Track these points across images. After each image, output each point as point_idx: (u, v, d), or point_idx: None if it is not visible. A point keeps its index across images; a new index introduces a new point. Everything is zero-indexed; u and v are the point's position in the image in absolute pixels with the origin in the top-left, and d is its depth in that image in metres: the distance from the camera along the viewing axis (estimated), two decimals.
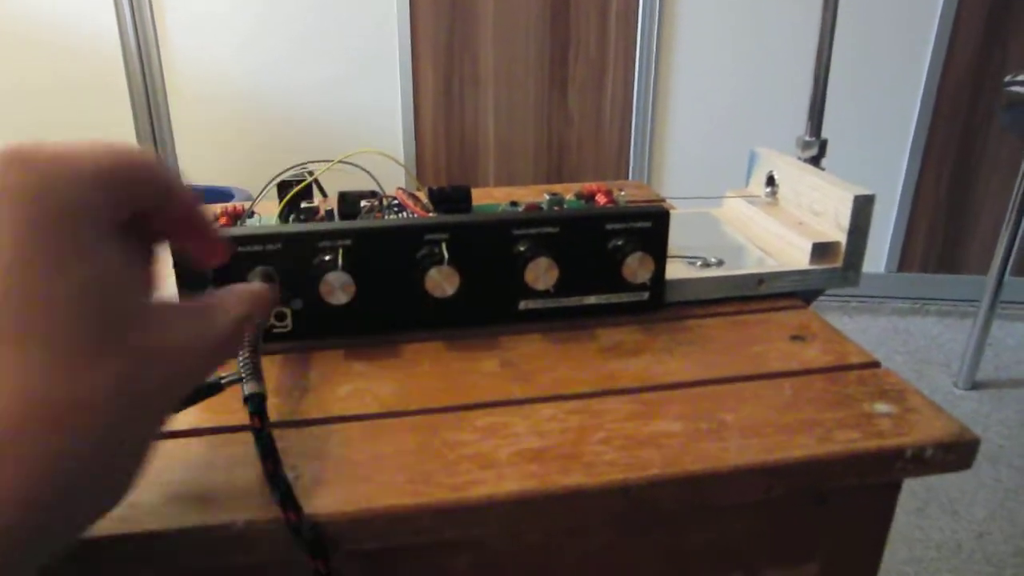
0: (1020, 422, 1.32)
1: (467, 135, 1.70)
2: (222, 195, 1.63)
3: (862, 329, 1.63)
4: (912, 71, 1.61)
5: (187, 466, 0.33)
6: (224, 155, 1.75)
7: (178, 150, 1.74)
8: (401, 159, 1.73)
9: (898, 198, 1.69)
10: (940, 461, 0.34)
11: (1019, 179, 1.31)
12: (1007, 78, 1.27)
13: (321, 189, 0.56)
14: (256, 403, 0.32)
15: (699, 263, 0.47)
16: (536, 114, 1.68)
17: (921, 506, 1.12)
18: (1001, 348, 1.56)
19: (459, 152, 1.71)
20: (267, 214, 0.53)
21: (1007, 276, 1.36)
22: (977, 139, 1.64)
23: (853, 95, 1.61)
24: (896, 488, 0.37)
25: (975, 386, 1.42)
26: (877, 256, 1.73)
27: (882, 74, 1.61)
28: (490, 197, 0.63)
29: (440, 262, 0.40)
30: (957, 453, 0.34)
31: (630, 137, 1.68)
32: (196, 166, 1.76)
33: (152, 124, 1.72)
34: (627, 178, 1.72)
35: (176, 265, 0.40)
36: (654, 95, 1.64)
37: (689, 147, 1.69)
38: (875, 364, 0.40)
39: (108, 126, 1.71)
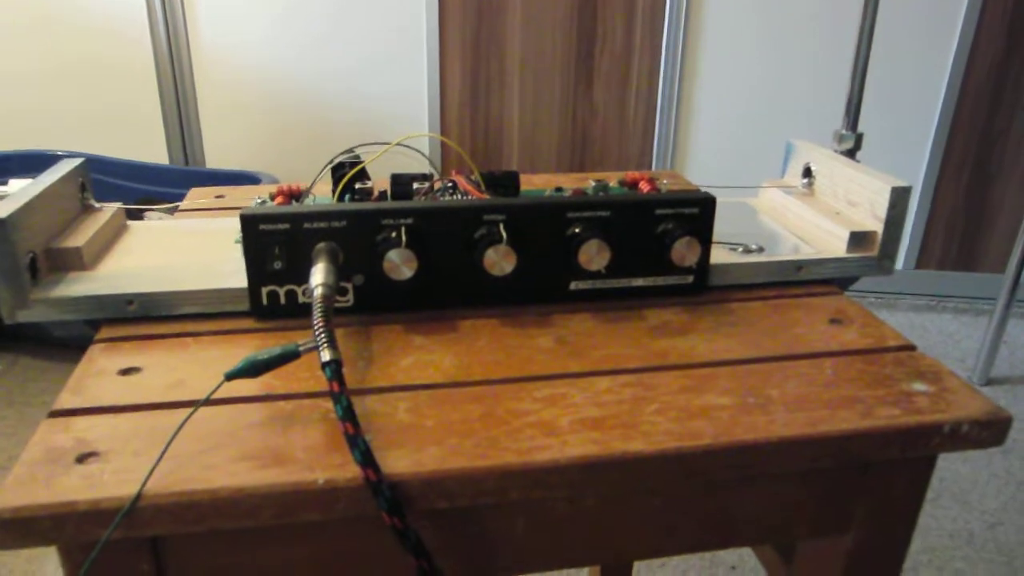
0: None
1: (492, 126, 1.72)
2: (248, 179, 1.66)
3: None
4: (935, 71, 1.61)
5: (264, 429, 0.35)
6: (250, 140, 1.77)
7: (204, 134, 1.77)
8: (426, 153, 1.75)
9: (918, 196, 1.70)
10: (975, 437, 0.36)
11: None
12: None
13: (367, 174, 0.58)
14: (334, 368, 0.34)
15: (740, 249, 0.49)
16: (561, 106, 1.69)
17: (934, 497, 1.14)
18: (1016, 346, 1.57)
19: (483, 142, 1.73)
20: (321, 195, 0.55)
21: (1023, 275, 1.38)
22: (997, 140, 1.65)
23: (876, 93, 1.62)
24: (932, 462, 0.38)
25: (990, 382, 1.44)
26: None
27: (905, 74, 1.62)
28: (530, 184, 0.65)
29: (498, 242, 0.42)
30: (991, 430, 0.36)
31: (654, 130, 1.70)
32: (222, 151, 1.78)
33: (179, 108, 1.74)
34: (650, 170, 1.73)
35: (246, 250, 0.42)
36: (679, 88, 1.66)
37: (712, 139, 1.70)
38: (911, 347, 0.42)
39: (135, 109, 1.74)
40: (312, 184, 0.54)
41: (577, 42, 1.65)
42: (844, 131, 0.58)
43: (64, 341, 1.49)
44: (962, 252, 1.74)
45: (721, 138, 1.71)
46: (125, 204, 0.55)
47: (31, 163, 1.73)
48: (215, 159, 1.81)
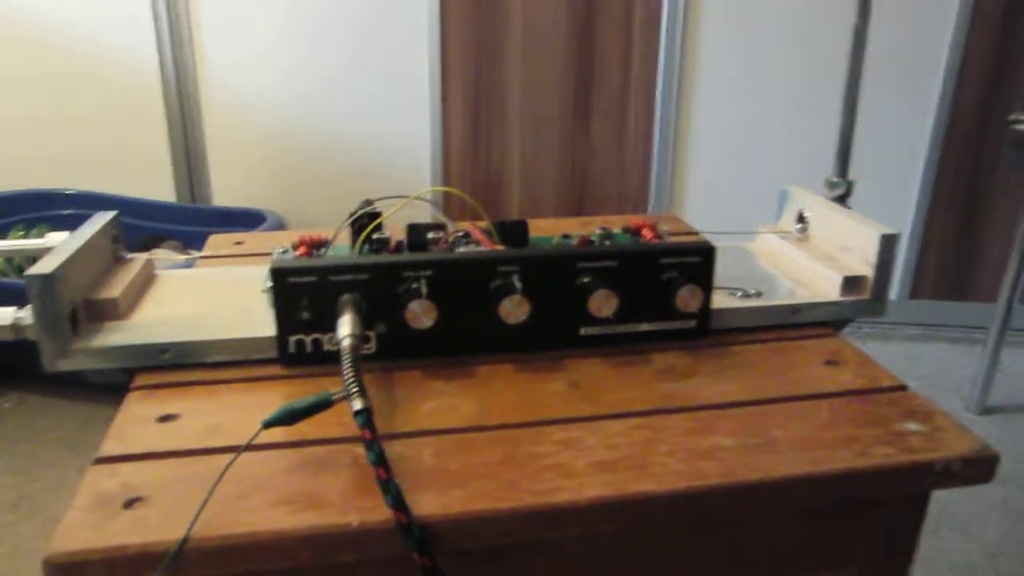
0: None
1: (493, 166, 1.75)
2: (255, 217, 1.69)
3: (876, 356, 1.66)
4: (922, 109, 1.66)
5: (299, 474, 0.37)
6: (256, 179, 1.80)
7: (211, 173, 1.80)
8: (438, 192, 1.78)
9: (909, 228, 1.74)
10: (965, 474, 0.38)
11: None
12: (1011, 116, 1.32)
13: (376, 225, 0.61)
14: (366, 417, 0.37)
15: (739, 294, 0.52)
16: (560, 146, 1.73)
17: (935, 528, 1.16)
18: (1010, 374, 1.59)
19: (485, 182, 1.77)
20: (339, 243, 0.58)
21: (1015, 304, 1.41)
22: (984, 173, 1.69)
23: (868, 130, 1.65)
24: (926, 499, 0.41)
25: (986, 411, 1.46)
26: (891, 283, 1.78)
27: (894, 111, 1.66)
28: (537, 229, 0.68)
29: (513, 292, 0.45)
30: (980, 467, 0.39)
31: (652, 168, 1.74)
32: (229, 189, 1.81)
33: (187, 150, 1.77)
34: (648, 208, 1.77)
35: (276, 301, 0.44)
36: (675, 127, 1.70)
37: (709, 177, 1.74)
38: (903, 387, 0.45)
39: (144, 148, 1.77)
40: (336, 233, 0.57)
41: (575, 83, 1.69)
42: (835, 178, 0.61)
43: (98, 385, 1.51)
44: (954, 282, 1.78)
45: (718, 176, 1.74)
46: (133, 242, 0.57)
47: (41, 202, 1.76)
48: (222, 197, 1.84)
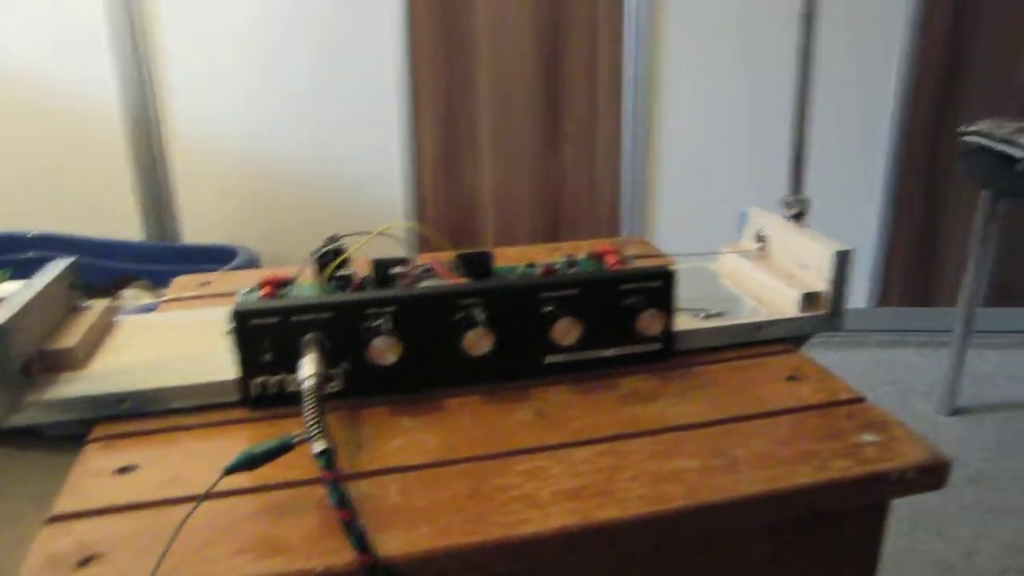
0: (998, 445, 1.38)
1: (466, 191, 1.76)
2: (226, 253, 1.67)
3: (848, 363, 1.69)
4: (878, 125, 1.71)
5: (261, 519, 0.37)
6: (228, 213, 1.79)
7: (180, 209, 1.79)
8: (409, 220, 1.79)
9: (874, 239, 1.77)
10: (920, 482, 0.39)
11: (979, 217, 1.39)
12: (961, 128, 1.36)
13: (345, 258, 0.61)
14: (328, 458, 0.37)
15: (702, 314, 0.53)
16: (532, 170, 1.75)
17: (910, 530, 1.17)
18: (976, 376, 1.62)
19: (459, 207, 1.77)
20: (304, 282, 0.58)
21: (976, 308, 1.44)
22: (940, 183, 1.74)
23: (829, 147, 1.70)
24: (885, 508, 0.41)
25: (955, 412, 1.48)
26: (859, 292, 1.81)
27: (852, 129, 1.71)
28: (504, 258, 0.68)
29: (476, 324, 0.45)
30: (934, 475, 0.39)
31: (621, 191, 1.76)
32: (199, 226, 1.80)
33: (154, 183, 1.76)
34: (620, 230, 1.78)
35: (237, 343, 0.44)
36: (643, 150, 1.72)
37: (678, 200, 1.76)
38: (861, 399, 0.46)
39: (108, 186, 1.75)
40: (298, 273, 0.57)
41: (544, 107, 1.71)
42: (790, 197, 0.62)
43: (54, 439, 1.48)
44: (919, 288, 1.81)
45: (686, 197, 1.77)
46: (101, 283, 0.57)
47: (0, 247, 1.73)
48: (192, 234, 1.83)
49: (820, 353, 1.73)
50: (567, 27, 1.66)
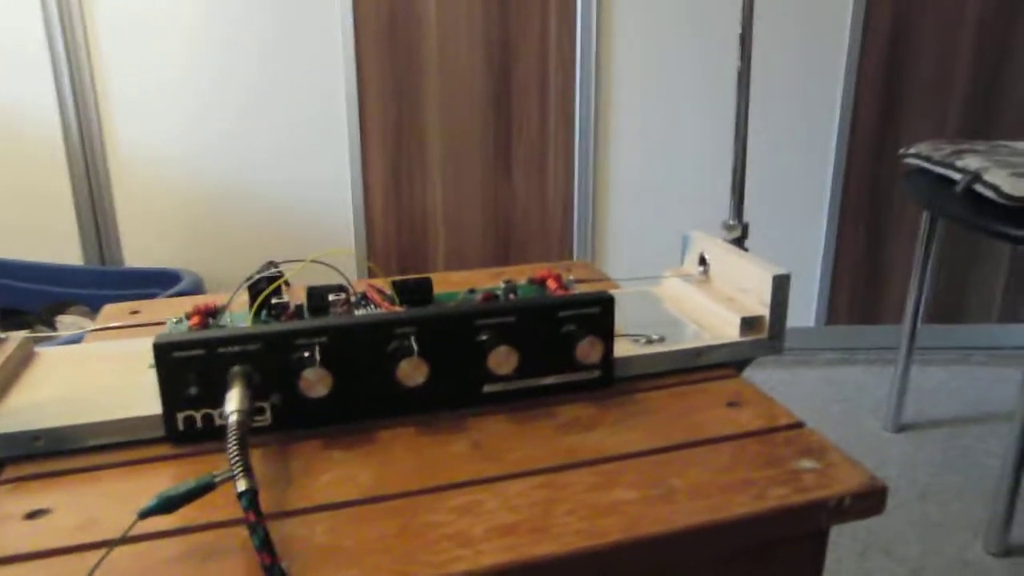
0: (943, 461, 1.40)
1: (416, 211, 1.75)
2: (170, 277, 1.63)
3: (798, 381, 1.71)
4: (823, 146, 1.74)
5: (182, 564, 0.35)
6: (171, 236, 1.75)
7: (121, 231, 1.74)
8: (352, 242, 1.76)
9: (821, 257, 1.80)
10: (858, 508, 0.39)
11: (920, 237, 1.42)
12: (901, 151, 1.39)
13: (286, 282, 0.60)
14: (250, 498, 0.35)
15: (643, 340, 0.52)
16: (483, 191, 1.74)
17: (862, 550, 1.18)
18: (921, 392, 1.65)
19: (409, 228, 1.76)
20: (238, 310, 0.56)
21: (919, 324, 1.47)
22: (883, 204, 1.78)
23: (774, 169, 1.73)
24: (825, 535, 0.41)
25: (901, 429, 1.50)
26: (807, 311, 1.83)
27: (799, 153, 1.74)
28: (448, 283, 0.67)
29: (410, 354, 0.44)
30: (871, 500, 0.39)
31: (573, 213, 1.76)
32: (141, 248, 1.75)
33: (94, 206, 1.71)
34: (571, 252, 1.79)
35: (160, 377, 0.42)
36: (594, 173, 1.73)
37: (629, 223, 1.78)
38: (800, 425, 0.45)
39: (47, 209, 1.70)
40: (229, 301, 0.55)
41: (495, 128, 1.71)
42: (731, 221, 0.63)
43: None
44: (866, 306, 1.84)
45: (637, 219, 1.78)
46: (39, 308, 0.54)
47: None
48: (134, 256, 1.78)
49: (770, 372, 1.75)
50: (518, 49, 1.67)
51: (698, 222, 1.75)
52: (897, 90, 1.71)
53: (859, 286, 1.82)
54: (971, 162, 1.17)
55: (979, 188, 1.12)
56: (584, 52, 1.66)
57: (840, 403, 1.62)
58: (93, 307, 1.65)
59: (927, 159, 1.29)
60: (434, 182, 1.73)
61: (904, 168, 1.39)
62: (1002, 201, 1.06)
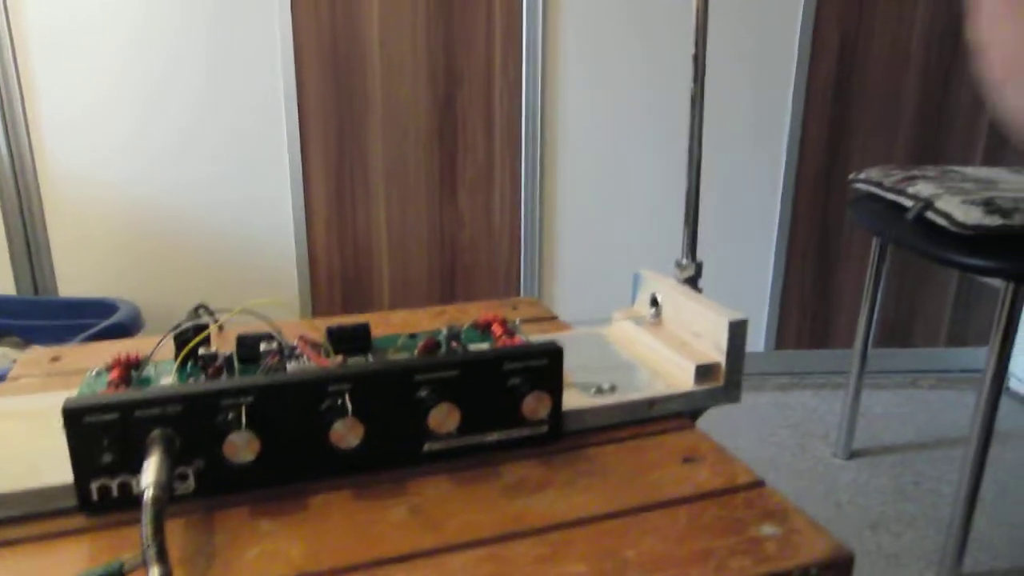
0: (894, 488, 1.41)
1: (360, 236, 1.71)
2: (106, 308, 1.57)
3: (748, 406, 1.71)
4: (772, 170, 1.76)
5: None
6: (107, 263, 1.69)
7: (55, 259, 1.67)
8: (294, 269, 1.72)
9: (770, 281, 1.81)
10: None
11: (871, 262, 1.44)
12: (851, 176, 1.41)
13: (219, 326, 0.56)
14: None
15: (593, 390, 0.50)
16: (428, 215, 1.72)
17: None
18: (872, 417, 1.67)
19: (353, 253, 1.72)
20: (166, 357, 0.52)
21: (869, 348, 1.48)
22: (832, 229, 1.80)
23: (725, 194, 1.74)
24: None
25: (852, 455, 1.51)
26: (757, 336, 1.84)
27: (748, 173, 1.75)
28: (388, 325, 0.64)
29: (344, 414, 0.41)
30: (836, 570, 0.37)
31: (520, 238, 1.74)
32: (76, 276, 1.68)
33: (26, 234, 1.64)
34: (520, 278, 1.76)
35: (71, 444, 0.39)
36: (541, 197, 1.72)
37: (577, 250, 1.76)
38: (760, 484, 0.43)
39: None
40: (153, 351, 0.51)
41: (440, 153, 1.69)
42: (684, 260, 0.61)
43: None
44: (815, 330, 1.86)
45: (586, 245, 1.77)
46: None
47: None
48: (69, 285, 1.71)
49: None
50: (462, 73, 1.65)
51: (649, 248, 1.75)
52: (845, 114, 1.74)
53: (808, 310, 1.84)
54: (922, 188, 1.18)
55: (931, 215, 1.13)
56: (530, 76, 1.65)
57: (790, 428, 1.62)
58: (25, 338, 1.57)
59: (878, 184, 1.30)
60: (378, 206, 1.70)
61: (853, 193, 1.40)
62: (954, 229, 1.07)
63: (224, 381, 0.42)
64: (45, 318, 1.62)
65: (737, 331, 0.50)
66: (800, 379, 1.83)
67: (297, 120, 1.63)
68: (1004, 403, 1.16)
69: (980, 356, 1.84)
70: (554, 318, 0.68)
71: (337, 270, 1.73)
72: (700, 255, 0.92)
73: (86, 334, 1.42)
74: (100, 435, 0.39)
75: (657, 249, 1.76)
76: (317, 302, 1.75)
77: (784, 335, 1.85)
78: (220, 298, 1.67)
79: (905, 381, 1.84)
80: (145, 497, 0.36)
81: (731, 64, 1.68)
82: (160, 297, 1.68)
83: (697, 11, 0.93)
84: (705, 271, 0.92)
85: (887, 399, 1.75)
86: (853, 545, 1.25)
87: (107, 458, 0.40)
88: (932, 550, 1.24)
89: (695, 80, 0.91)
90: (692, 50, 0.92)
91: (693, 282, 0.60)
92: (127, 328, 1.49)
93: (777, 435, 1.60)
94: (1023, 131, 0.22)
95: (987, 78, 0.23)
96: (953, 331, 1.88)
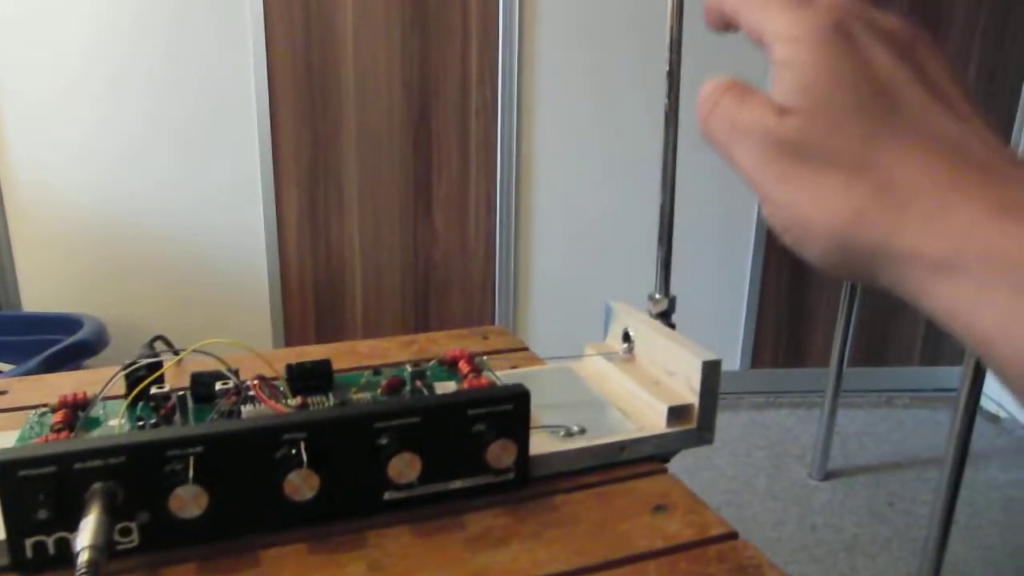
0: (869, 509, 1.41)
1: (333, 253, 1.69)
2: (70, 324, 1.53)
3: (724, 426, 1.70)
4: (747, 192, 1.75)
5: None
6: (71, 278, 1.65)
7: (20, 274, 1.63)
8: (265, 283, 1.69)
9: (746, 300, 1.81)
10: None
11: (846, 283, 1.44)
12: None
13: (179, 361, 0.54)
14: None
15: (562, 432, 0.48)
16: (402, 232, 1.70)
17: None
18: (846, 436, 1.67)
19: (326, 269, 1.69)
20: (117, 393, 0.50)
21: (845, 367, 1.48)
22: None
23: (698, 211, 1.74)
24: None
25: (827, 476, 1.51)
26: (732, 355, 1.84)
27: (722, 191, 1.75)
28: (354, 355, 0.62)
29: (299, 464, 0.39)
30: None
31: (494, 254, 1.73)
32: (40, 291, 1.64)
33: None
34: (494, 295, 1.75)
35: (3, 500, 0.36)
36: (516, 213, 1.70)
37: (552, 269, 1.75)
38: (733, 535, 0.42)
39: None
40: (101, 391, 0.49)
41: (414, 168, 1.67)
42: (657, 295, 0.60)
43: None
44: (790, 350, 1.86)
45: (559, 265, 1.76)
46: None
47: None
48: (33, 301, 1.66)
49: None
50: (438, 88, 1.64)
51: (625, 262, 1.73)
52: None
53: (783, 330, 1.84)
54: None
55: None
56: (506, 91, 1.64)
57: (765, 448, 1.62)
58: None
59: None
60: (352, 221, 1.68)
61: None
62: None
63: (171, 430, 0.40)
64: (8, 334, 1.58)
65: (711, 372, 0.49)
66: (775, 398, 1.83)
67: (269, 132, 1.61)
68: (976, 422, 1.16)
69: (954, 375, 1.85)
70: (525, 349, 0.66)
71: (309, 283, 1.70)
72: (674, 269, 0.90)
73: (49, 352, 1.39)
74: (36, 489, 0.37)
75: (633, 266, 1.75)
76: (289, 314, 1.72)
77: (759, 354, 1.85)
78: (189, 314, 1.64)
79: (880, 400, 1.84)
80: (79, 560, 0.33)
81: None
82: (126, 312, 1.65)
83: (671, 26, 0.92)
84: (679, 290, 0.91)
85: (862, 418, 1.76)
86: (828, 568, 1.24)
87: (43, 514, 0.37)
88: (907, 573, 1.23)
89: (668, 95, 0.90)
90: (665, 68, 0.91)
91: (666, 316, 0.59)
92: (91, 345, 1.45)
93: (753, 456, 1.59)
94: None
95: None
96: (927, 350, 1.89)
